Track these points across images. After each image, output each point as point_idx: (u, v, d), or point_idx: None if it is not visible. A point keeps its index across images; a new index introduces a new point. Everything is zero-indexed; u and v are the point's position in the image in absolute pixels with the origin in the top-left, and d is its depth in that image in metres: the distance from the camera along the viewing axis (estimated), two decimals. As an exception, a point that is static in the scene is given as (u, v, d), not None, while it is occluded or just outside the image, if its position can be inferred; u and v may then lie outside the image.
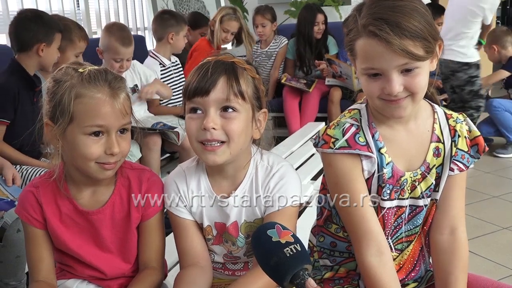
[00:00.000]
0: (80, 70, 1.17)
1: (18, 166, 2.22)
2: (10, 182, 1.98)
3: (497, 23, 6.22)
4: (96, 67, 1.20)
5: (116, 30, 2.91)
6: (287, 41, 4.51)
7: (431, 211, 1.24)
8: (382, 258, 1.14)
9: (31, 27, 2.37)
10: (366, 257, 1.14)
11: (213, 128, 1.13)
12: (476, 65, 3.77)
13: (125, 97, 1.19)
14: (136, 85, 3.07)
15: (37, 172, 2.18)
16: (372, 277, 1.14)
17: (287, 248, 0.90)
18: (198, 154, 1.19)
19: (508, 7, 7.06)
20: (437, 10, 4.23)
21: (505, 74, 4.15)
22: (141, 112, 3.08)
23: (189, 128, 1.17)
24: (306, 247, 1.32)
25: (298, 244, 0.91)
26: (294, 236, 0.93)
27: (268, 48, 4.57)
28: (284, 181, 1.21)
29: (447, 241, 1.21)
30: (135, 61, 3.11)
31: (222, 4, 5.43)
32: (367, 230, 1.15)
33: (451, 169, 1.20)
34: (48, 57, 2.41)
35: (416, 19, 1.03)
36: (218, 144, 1.15)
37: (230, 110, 1.15)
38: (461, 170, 1.20)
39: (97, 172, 1.19)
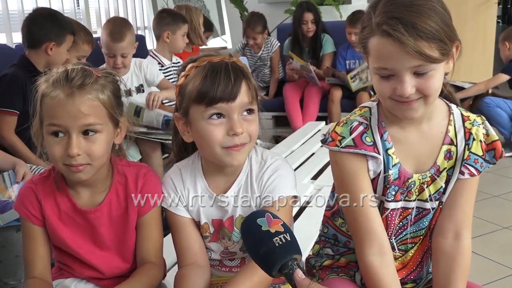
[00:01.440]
0: (61, 69, 1.16)
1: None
2: (20, 178, 1.98)
3: (497, 22, 6.21)
4: (80, 66, 1.18)
5: (110, 24, 2.87)
6: (279, 44, 4.55)
7: (436, 213, 1.22)
8: (384, 258, 1.13)
9: (44, 25, 2.41)
10: (368, 256, 1.14)
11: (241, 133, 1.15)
12: None
13: (90, 98, 1.14)
14: (141, 85, 3.04)
15: (39, 171, 2.18)
16: (374, 277, 1.13)
17: (277, 238, 0.89)
18: (220, 158, 1.17)
19: (508, 6, 7.05)
20: None
21: (504, 77, 4.17)
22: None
23: (212, 135, 1.14)
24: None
25: (288, 234, 0.90)
26: (284, 225, 0.92)
27: (261, 53, 4.59)
28: (277, 174, 1.22)
29: (449, 246, 1.19)
30: (141, 60, 3.09)
31: (222, 3, 5.42)
32: (370, 230, 1.14)
33: (461, 173, 1.16)
34: (56, 56, 2.44)
35: (433, 20, 0.99)
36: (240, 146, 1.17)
37: (250, 112, 1.17)
38: (472, 175, 1.16)
39: (67, 173, 1.18)
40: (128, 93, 2.96)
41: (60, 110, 1.12)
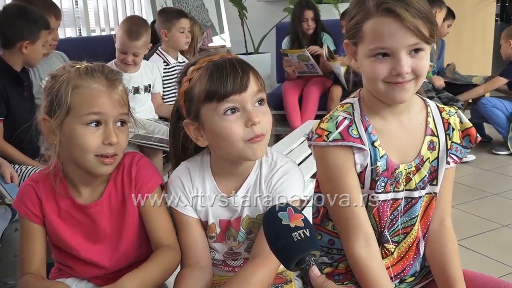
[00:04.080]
0: (77, 66, 1.20)
1: (16, 165, 2.21)
2: (8, 179, 1.99)
3: (496, 20, 6.21)
4: (93, 62, 1.23)
5: (128, 22, 2.93)
6: None
7: (431, 205, 1.25)
8: (370, 250, 1.17)
9: (15, 23, 2.33)
10: (355, 249, 1.16)
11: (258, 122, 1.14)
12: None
13: (123, 89, 1.21)
14: (149, 85, 3.08)
15: (34, 171, 2.17)
16: (361, 267, 1.16)
17: (296, 233, 0.90)
18: (242, 153, 1.15)
19: (507, 4, 7.03)
20: (449, 12, 4.33)
21: (502, 80, 4.15)
22: (146, 111, 3.08)
23: (232, 131, 1.12)
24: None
25: (307, 229, 0.91)
26: (305, 220, 0.93)
27: None
28: (287, 176, 1.22)
29: (436, 231, 1.26)
30: (154, 64, 3.16)
31: (221, 2, 5.41)
32: (356, 224, 1.17)
33: (447, 163, 1.23)
34: (32, 54, 2.38)
35: (421, 2, 1.08)
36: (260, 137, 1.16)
37: (262, 103, 1.18)
38: (456, 163, 1.24)
39: (96, 166, 1.18)
40: (136, 90, 3.00)
41: (102, 99, 1.17)
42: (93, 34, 4.49)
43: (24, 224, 1.25)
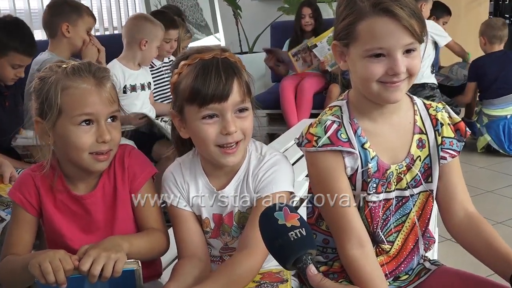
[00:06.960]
0: (64, 65, 1.20)
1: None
2: (7, 180, 1.99)
3: (489, 18, 6.23)
4: (79, 61, 1.23)
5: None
6: None
7: (428, 202, 1.25)
8: (363, 250, 1.16)
9: None
10: (348, 250, 1.16)
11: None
12: (431, 87, 3.89)
13: (111, 86, 1.23)
14: (149, 83, 3.08)
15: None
16: (355, 268, 1.16)
17: (292, 232, 0.91)
18: (215, 157, 1.20)
19: (500, 2, 7.06)
20: (445, 9, 4.35)
21: (472, 85, 4.09)
22: (148, 108, 3.07)
23: (206, 134, 1.17)
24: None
25: (303, 229, 0.92)
26: (300, 219, 0.93)
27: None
28: (273, 169, 1.23)
29: (464, 220, 1.24)
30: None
31: (215, 1, 5.41)
32: (348, 227, 1.17)
33: (443, 158, 1.23)
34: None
35: (412, 1, 1.09)
36: (235, 145, 1.18)
37: (244, 110, 1.18)
38: (453, 157, 1.24)
39: (91, 164, 1.21)
40: (142, 87, 3.00)
41: (92, 98, 1.18)
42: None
43: (17, 212, 1.26)
